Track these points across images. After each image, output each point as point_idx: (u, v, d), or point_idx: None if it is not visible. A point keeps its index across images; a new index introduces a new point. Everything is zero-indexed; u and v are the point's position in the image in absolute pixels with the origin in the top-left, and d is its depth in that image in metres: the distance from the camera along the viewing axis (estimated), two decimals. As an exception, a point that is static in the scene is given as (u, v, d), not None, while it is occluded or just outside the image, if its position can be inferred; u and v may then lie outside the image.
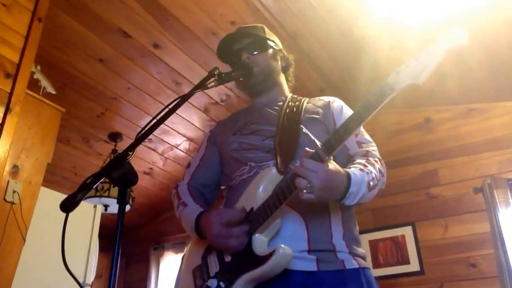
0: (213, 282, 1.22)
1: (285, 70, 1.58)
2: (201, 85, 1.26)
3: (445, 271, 3.05)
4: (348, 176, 1.11)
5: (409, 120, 3.56)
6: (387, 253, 3.29)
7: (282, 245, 1.09)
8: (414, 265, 3.16)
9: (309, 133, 1.06)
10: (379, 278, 3.20)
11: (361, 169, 1.17)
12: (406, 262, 3.20)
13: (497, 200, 2.90)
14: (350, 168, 1.17)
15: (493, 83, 3.08)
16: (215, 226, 1.19)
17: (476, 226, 3.03)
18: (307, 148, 1.09)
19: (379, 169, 1.23)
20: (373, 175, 1.18)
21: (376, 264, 3.29)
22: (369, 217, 3.39)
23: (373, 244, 3.33)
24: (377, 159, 1.27)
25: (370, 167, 1.20)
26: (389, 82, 1.00)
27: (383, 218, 3.38)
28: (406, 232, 3.27)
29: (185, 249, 1.47)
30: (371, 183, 1.16)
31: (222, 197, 1.45)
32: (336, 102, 1.44)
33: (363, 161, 1.23)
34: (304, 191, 1.06)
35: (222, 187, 1.49)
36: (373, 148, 1.32)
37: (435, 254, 3.12)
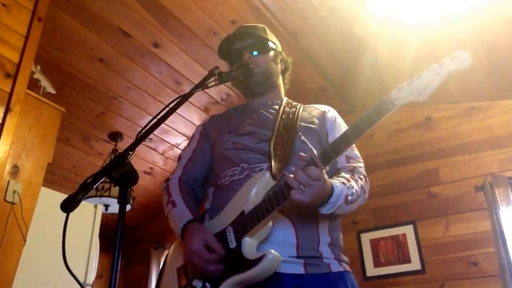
0: (198, 283, 1.21)
1: (283, 73, 1.58)
2: (202, 85, 1.26)
3: (446, 269, 3.04)
4: (332, 187, 1.14)
5: (410, 119, 3.55)
6: (388, 252, 3.28)
7: (272, 251, 1.10)
8: (415, 264, 3.16)
9: (307, 142, 1.07)
10: (380, 277, 3.20)
11: (343, 183, 1.20)
12: (407, 261, 3.19)
13: (498, 199, 2.89)
14: (333, 179, 1.20)
15: (494, 82, 3.08)
16: (196, 242, 1.20)
17: (477, 225, 3.03)
18: (302, 153, 1.10)
19: (361, 185, 1.26)
20: (353, 190, 1.21)
21: (377, 263, 3.28)
22: (370, 216, 3.38)
23: (374, 243, 3.33)
24: (362, 176, 1.30)
25: (353, 182, 1.24)
26: (391, 98, 1.02)
27: (384, 217, 3.37)
28: (407, 231, 3.26)
29: (170, 247, 1.46)
30: (350, 197, 1.19)
31: (206, 194, 1.44)
32: (331, 113, 1.46)
33: (347, 176, 1.26)
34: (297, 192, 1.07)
35: (208, 184, 1.47)
36: (360, 164, 1.35)
37: (436, 252, 3.12)
